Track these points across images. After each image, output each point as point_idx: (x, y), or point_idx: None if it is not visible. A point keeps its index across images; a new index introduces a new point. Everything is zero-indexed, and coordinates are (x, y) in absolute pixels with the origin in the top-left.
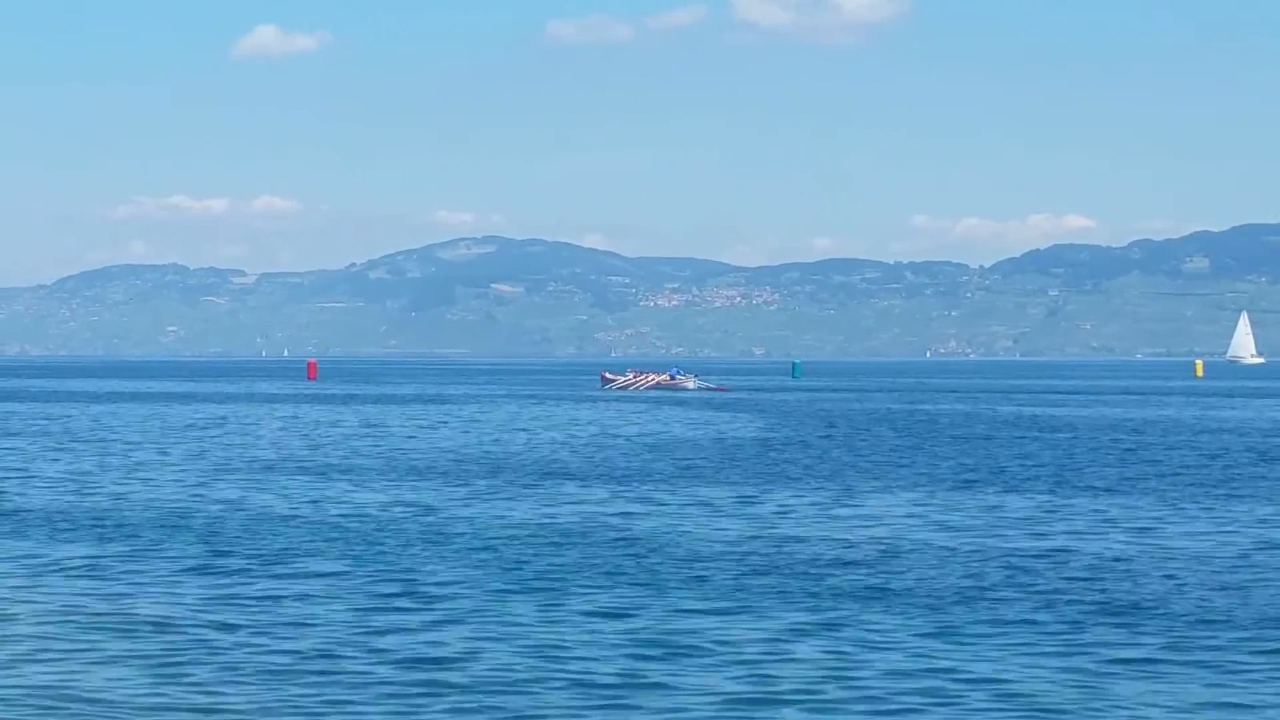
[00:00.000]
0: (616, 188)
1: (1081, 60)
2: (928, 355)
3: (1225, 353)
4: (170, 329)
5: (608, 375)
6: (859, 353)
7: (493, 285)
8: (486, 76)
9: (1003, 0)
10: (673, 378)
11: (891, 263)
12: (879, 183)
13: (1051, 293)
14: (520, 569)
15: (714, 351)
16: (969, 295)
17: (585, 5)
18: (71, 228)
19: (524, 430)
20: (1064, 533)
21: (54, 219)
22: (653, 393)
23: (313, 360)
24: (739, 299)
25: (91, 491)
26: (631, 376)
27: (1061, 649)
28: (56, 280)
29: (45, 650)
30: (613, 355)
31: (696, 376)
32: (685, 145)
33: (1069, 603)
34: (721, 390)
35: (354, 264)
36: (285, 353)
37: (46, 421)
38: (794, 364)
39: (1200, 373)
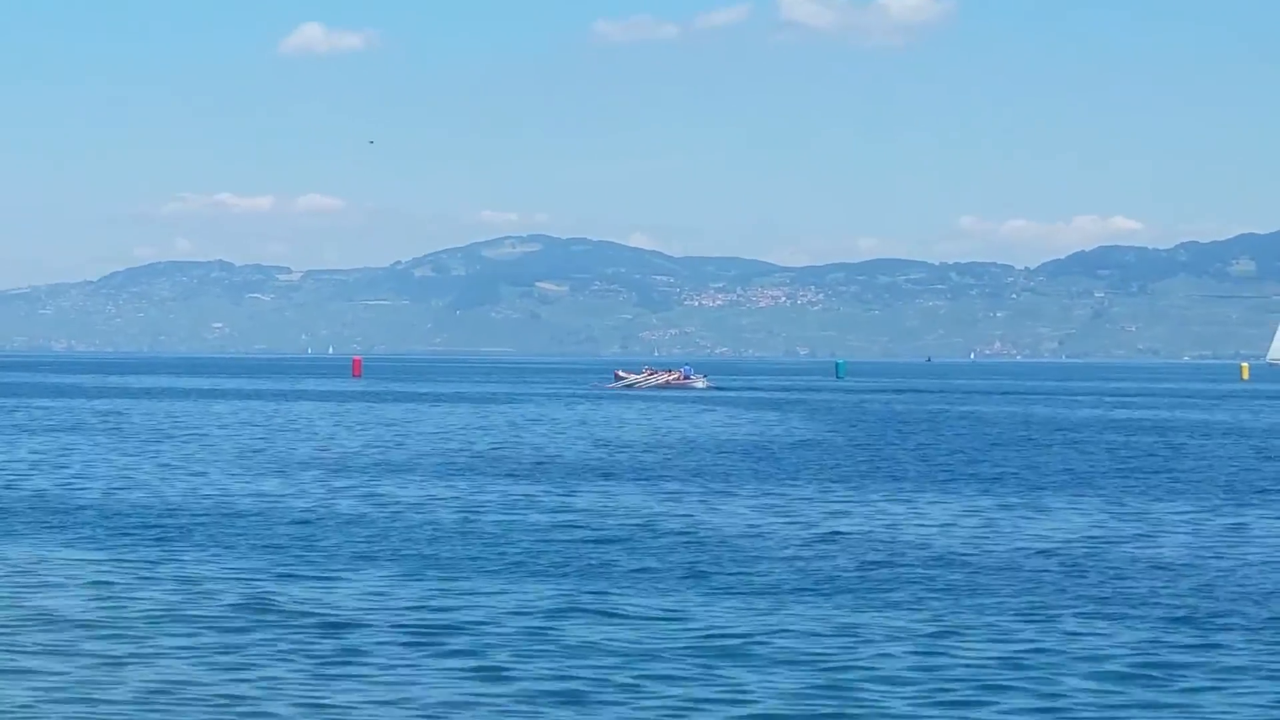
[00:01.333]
0: (661, 187)
1: (1129, 62)
2: (972, 356)
3: (1266, 356)
4: (215, 325)
5: (622, 374)
6: (903, 353)
7: (537, 284)
8: (532, 76)
9: (1048, 2)
10: (686, 377)
11: (936, 263)
12: (924, 183)
13: (1097, 294)
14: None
15: (759, 351)
16: (1014, 296)
17: (630, 5)
18: (118, 224)
19: (585, 428)
20: None
21: (100, 216)
22: (689, 392)
23: (358, 358)
24: (784, 299)
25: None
26: (645, 375)
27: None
28: (102, 276)
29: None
30: (656, 355)
31: (706, 376)
32: (730, 145)
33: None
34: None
35: (399, 262)
36: (330, 350)
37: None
38: (838, 364)
39: (1246, 376)
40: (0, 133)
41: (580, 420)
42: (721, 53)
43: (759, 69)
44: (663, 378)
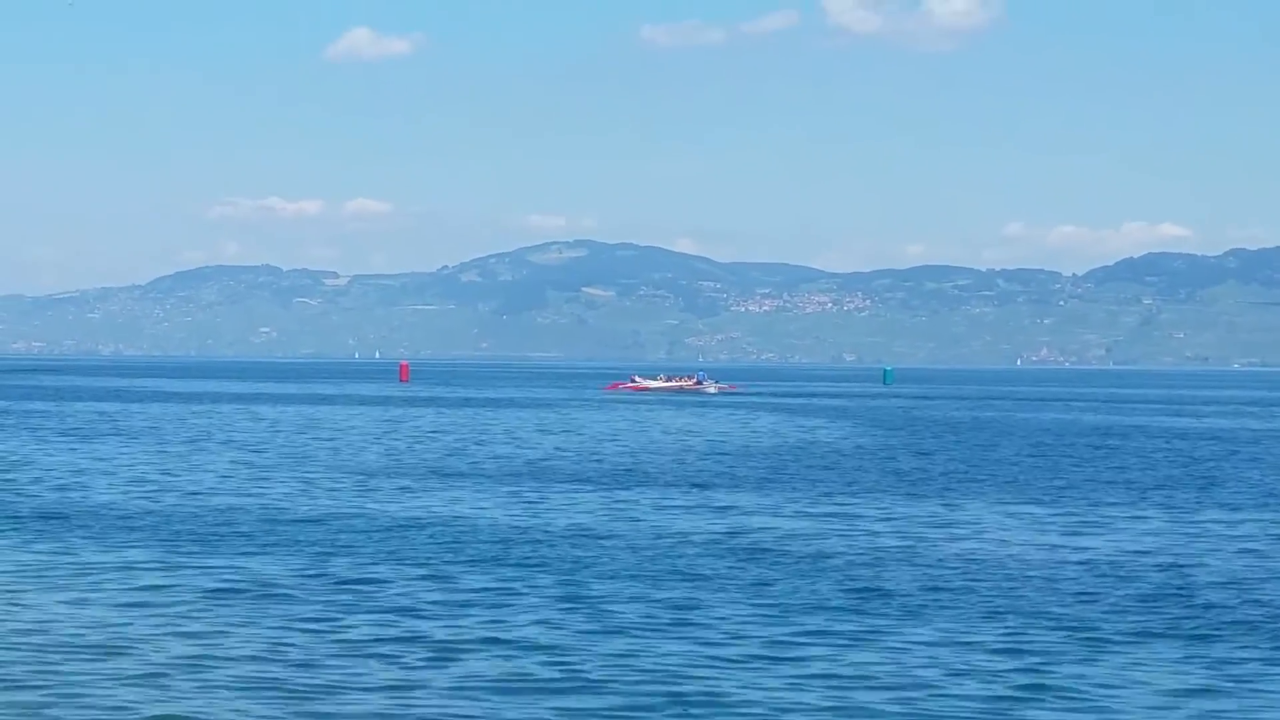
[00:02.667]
0: (708, 192)
1: (1177, 68)
2: (1018, 363)
3: None
4: (263, 330)
5: (637, 378)
6: (950, 360)
7: (584, 289)
8: (579, 80)
9: (1096, 7)
10: (699, 382)
11: (984, 270)
12: (973, 189)
13: (1145, 301)
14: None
15: (805, 357)
16: (1061, 303)
17: (678, 10)
18: (166, 228)
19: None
20: None
21: (149, 220)
22: (744, 398)
23: (405, 362)
24: (830, 305)
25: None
26: (661, 381)
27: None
28: (150, 280)
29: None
30: (701, 360)
31: (716, 381)
32: (777, 150)
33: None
34: (734, 390)
35: (445, 266)
36: (377, 354)
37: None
38: (885, 371)
39: None
40: (47, 138)
41: (671, 427)
42: (769, 58)
43: (806, 74)
44: (677, 382)
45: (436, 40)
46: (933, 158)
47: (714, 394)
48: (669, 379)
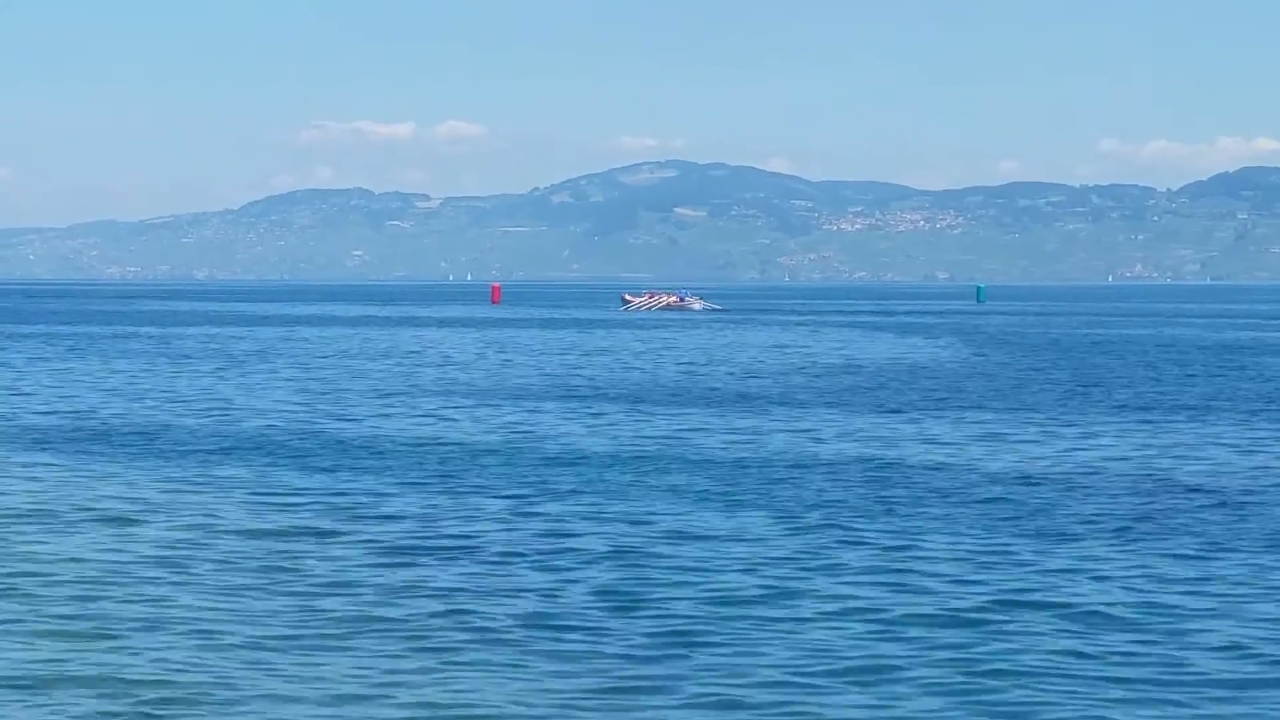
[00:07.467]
0: (800, 111)
1: None
2: (1110, 280)
3: None
4: (355, 253)
5: (627, 297)
6: (1043, 277)
7: (675, 209)
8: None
9: None
10: (681, 299)
11: (1077, 186)
12: (1066, 105)
13: (1240, 216)
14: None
15: (898, 275)
16: (1155, 219)
17: None
18: (258, 153)
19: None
20: None
21: (241, 144)
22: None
23: (497, 285)
24: (922, 223)
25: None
26: (647, 298)
27: None
28: (243, 205)
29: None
30: (787, 280)
31: (703, 298)
32: (870, 68)
33: None
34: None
35: (537, 188)
36: (469, 277)
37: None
38: (978, 288)
39: None
40: (139, 64)
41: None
42: None
43: None
44: (663, 300)
45: None
46: (1026, 73)
47: (699, 310)
48: (652, 295)
